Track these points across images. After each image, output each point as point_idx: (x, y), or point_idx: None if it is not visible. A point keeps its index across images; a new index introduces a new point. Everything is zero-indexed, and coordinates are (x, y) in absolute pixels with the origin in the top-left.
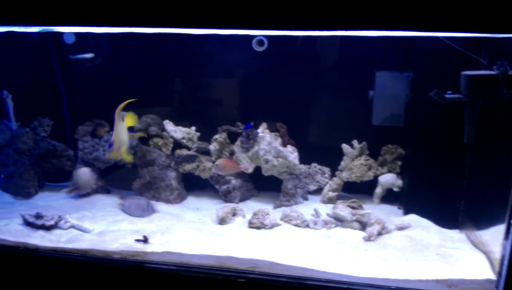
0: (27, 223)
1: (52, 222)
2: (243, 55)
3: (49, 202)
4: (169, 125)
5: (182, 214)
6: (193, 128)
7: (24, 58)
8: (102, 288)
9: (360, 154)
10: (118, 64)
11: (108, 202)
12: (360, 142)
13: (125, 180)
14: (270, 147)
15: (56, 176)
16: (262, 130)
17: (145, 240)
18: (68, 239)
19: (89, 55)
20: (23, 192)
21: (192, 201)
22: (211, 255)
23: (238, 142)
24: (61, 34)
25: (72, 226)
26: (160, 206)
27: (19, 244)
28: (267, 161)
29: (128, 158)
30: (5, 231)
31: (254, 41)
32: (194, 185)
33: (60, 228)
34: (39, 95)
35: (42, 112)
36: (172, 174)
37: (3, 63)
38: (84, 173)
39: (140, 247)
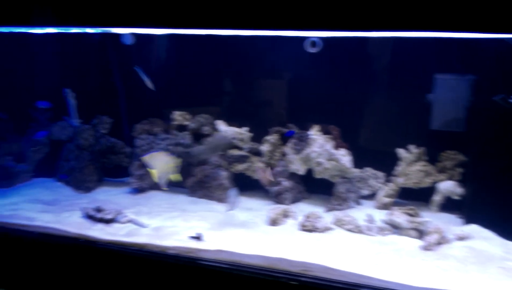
0: (88, 216)
1: (111, 216)
2: (295, 56)
3: (108, 196)
4: (221, 125)
5: (234, 213)
6: (245, 128)
7: (87, 59)
8: (157, 281)
9: (417, 160)
10: (173, 66)
11: (163, 198)
12: (416, 147)
13: (185, 178)
14: (323, 149)
15: (113, 171)
16: (314, 133)
17: (198, 237)
18: (126, 233)
19: (148, 82)
20: (83, 186)
21: (243, 201)
22: (262, 256)
23: (290, 144)
24: (120, 35)
25: (130, 221)
26: (212, 205)
27: (80, 235)
28: (319, 164)
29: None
30: (67, 223)
31: (307, 42)
32: (245, 185)
33: (118, 222)
34: (100, 94)
35: (102, 110)
36: (223, 174)
37: (67, 63)
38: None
39: (194, 244)
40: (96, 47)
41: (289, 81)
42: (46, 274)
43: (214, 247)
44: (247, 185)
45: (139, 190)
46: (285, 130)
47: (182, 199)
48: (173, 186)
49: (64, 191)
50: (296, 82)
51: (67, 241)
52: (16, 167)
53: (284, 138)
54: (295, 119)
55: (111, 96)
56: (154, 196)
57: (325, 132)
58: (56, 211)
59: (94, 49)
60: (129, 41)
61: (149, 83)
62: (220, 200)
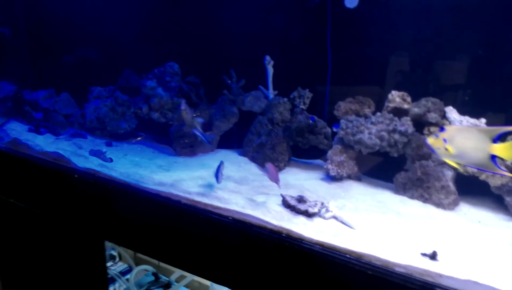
0: (287, 205)
1: (315, 209)
2: None
3: (299, 181)
4: (452, 113)
5: (461, 226)
6: (483, 120)
7: (297, 23)
8: None
9: None
10: (393, 34)
11: (365, 193)
12: None
13: (383, 170)
14: None
15: (304, 152)
16: None
17: (432, 256)
18: (333, 234)
19: None
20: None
21: (466, 209)
22: None
23: None
24: None
25: (334, 217)
26: (429, 209)
27: (281, 229)
28: None
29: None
30: (266, 211)
31: None
32: (464, 188)
33: (320, 216)
34: (303, 64)
35: (303, 82)
36: (449, 174)
37: (271, 26)
38: None
39: (432, 264)
40: (311, 9)
41: None
42: (243, 269)
43: (463, 275)
44: (475, 191)
45: (335, 178)
46: None
47: (388, 197)
48: (371, 177)
49: (251, 168)
50: None
51: (267, 233)
52: (202, 136)
53: None
54: None
55: (316, 68)
56: (353, 187)
57: None
58: (248, 193)
59: (307, 12)
60: (353, 4)
61: None
62: (440, 205)
